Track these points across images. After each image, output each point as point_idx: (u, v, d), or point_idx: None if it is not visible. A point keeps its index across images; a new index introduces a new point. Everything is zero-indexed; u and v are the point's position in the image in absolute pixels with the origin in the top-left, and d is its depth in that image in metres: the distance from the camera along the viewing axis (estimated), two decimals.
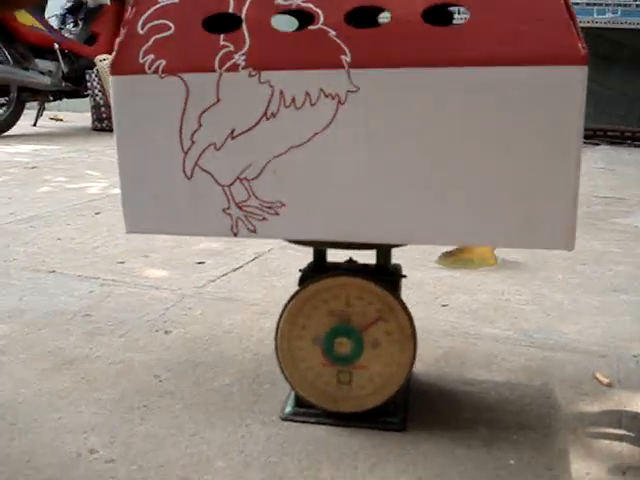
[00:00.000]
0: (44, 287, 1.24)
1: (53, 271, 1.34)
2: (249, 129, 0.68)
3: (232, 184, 0.70)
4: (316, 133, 0.67)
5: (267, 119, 0.68)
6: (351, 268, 0.77)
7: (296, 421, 0.77)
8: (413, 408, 0.80)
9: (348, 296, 0.75)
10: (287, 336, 0.76)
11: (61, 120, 5.10)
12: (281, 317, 0.76)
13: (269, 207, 0.70)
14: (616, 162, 3.06)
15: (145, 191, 0.72)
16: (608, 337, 1.02)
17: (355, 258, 0.79)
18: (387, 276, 0.77)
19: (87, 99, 4.43)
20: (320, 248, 0.78)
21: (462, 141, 0.64)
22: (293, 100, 0.67)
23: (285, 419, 0.78)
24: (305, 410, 0.78)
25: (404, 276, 0.79)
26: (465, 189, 0.65)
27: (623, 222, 1.83)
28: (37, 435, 0.74)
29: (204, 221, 0.71)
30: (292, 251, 1.44)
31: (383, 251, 0.77)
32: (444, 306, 1.15)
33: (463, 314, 1.11)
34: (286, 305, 0.76)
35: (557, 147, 0.63)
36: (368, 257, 0.76)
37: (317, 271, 0.77)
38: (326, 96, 0.67)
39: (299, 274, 0.78)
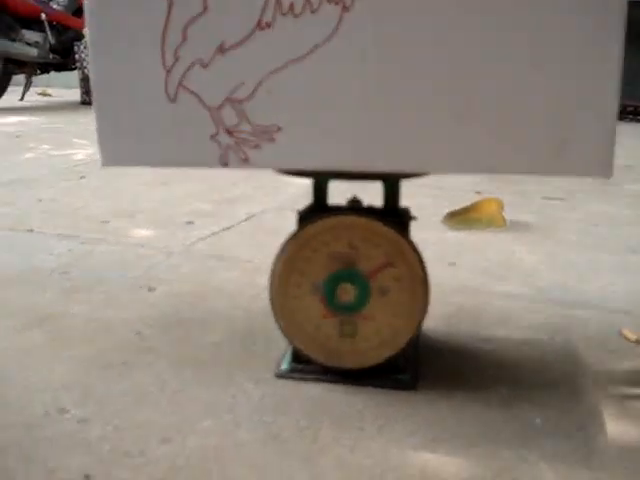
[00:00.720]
0: (20, 246, 1.15)
1: (31, 230, 1.25)
2: (240, 42, 0.60)
3: (221, 106, 0.61)
4: (317, 45, 0.58)
5: (261, 29, 0.59)
6: (355, 207, 0.68)
7: (293, 378, 0.69)
8: (423, 366, 0.72)
9: (352, 238, 0.66)
10: (283, 283, 0.68)
11: (49, 95, 4.98)
12: (276, 262, 0.68)
13: (263, 132, 0.61)
14: (619, 134, 2.97)
15: (123, 117, 0.63)
16: (631, 295, 0.93)
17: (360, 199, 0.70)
18: (396, 217, 0.68)
19: (76, 72, 4.32)
20: (320, 184, 0.69)
21: (487, 50, 0.56)
22: (291, 6, 0.58)
23: (281, 376, 0.69)
24: (303, 366, 0.70)
25: (414, 218, 0.70)
26: (490, 107, 0.56)
27: (634, 188, 1.75)
28: (1, 394, 0.66)
29: (189, 150, 0.63)
30: (288, 212, 1.35)
31: (391, 186, 0.68)
32: (452, 265, 1.06)
33: (472, 272, 1.03)
34: (282, 248, 0.68)
35: (597, 57, 0.55)
36: (373, 200, 0.67)
37: (317, 211, 0.69)
38: (329, 1, 0.58)
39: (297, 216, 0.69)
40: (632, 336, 0.79)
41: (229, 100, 0.61)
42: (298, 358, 0.70)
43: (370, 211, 0.67)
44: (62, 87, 5.56)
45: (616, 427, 0.60)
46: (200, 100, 0.61)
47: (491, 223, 1.27)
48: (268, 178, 1.76)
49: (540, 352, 0.75)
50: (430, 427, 0.60)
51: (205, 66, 0.61)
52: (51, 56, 4.16)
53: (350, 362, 0.68)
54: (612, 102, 0.55)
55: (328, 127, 0.59)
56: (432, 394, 0.66)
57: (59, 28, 4.19)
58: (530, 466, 0.54)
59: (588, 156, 0.56)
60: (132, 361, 0.73)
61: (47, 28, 4.03)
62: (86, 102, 4.24)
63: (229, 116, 0.61)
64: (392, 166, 0.59)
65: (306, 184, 0.73)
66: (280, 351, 0.74)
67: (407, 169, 0.59)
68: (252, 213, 1.37)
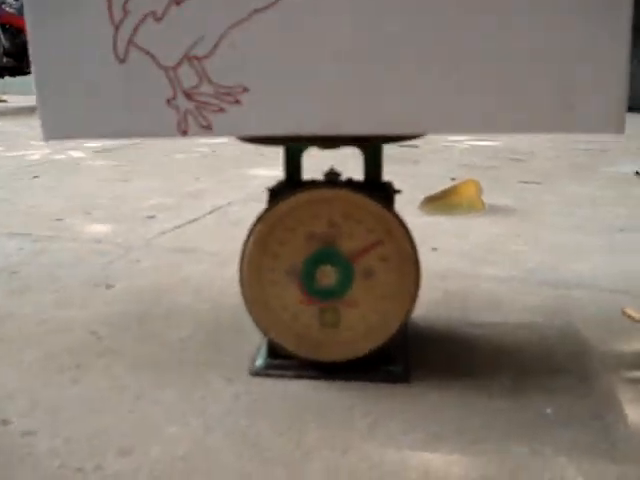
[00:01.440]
0: None
1: None
2: None
3: (178, 65, 0.53)
4: None
5: None
6: (334, 180, 0.61)
7: (270, 375, 0.61)
8: (414, 356, 0.65)
9: (331, 214, 0.59)
10: (254, 268, 0.60)
11: (5, 101, 4.82)
12: (246, 244, 0.60)
13: (227, 94, 0.53)
14: None
15: (66, 82, 0.55)
16: (625, 274, 0.88)
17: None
18: (380, 190, 0.61)
19: (32, 77, 4.18)
20: (293, 155, 0.62)
21: None
22: None
23: (256, 374, 0.62)
24: (280, 362, 0.62)
25: (398, 191, 0.63)
26: (490, 56, 0.49)
27: (611, 170, 1.71)
28: None
29: (143, 117, 0.55)
30: (255, 203, 1.27)
31: (373, 156, 0.61)
32: (434, 250, 1.00)
33: (457, 257, 0.96)
34: (252, 229, 0.60)
35: (605, 3, 0.48)
36: (353, 175, 0.60)
37: (290, 186, 0.61)
38: None
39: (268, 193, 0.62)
40: (636, 315, 0.72)
41: (187, 58, 0.53)
42: (274, 352, 0.62)
43: (351, 184, 0.60)
44: (18, 93, 5.41)
45: (636, 413, 0.54)
46: (154, 59, 0.54)
47: (471, 207, 1.20)
48: (234, 172, 1.67)
49: (539, 335, 0.69)
50: (429, 423, 0.53)
51: (158, 19, 0.53)
52: (5, 60, 4.01)
53: (334, 354, 0.60)
54: (622, 51, 0.49)
55: (300, 87, 0.52)
56: (427, 386, 0.59)
57: (13, 31, 4.04)
58: (547, 461, 0.47)
59: (598, 111, 0.50)
60: (87, 364, 0.64)
61: (0, 32, 3.89)
62: None
63: (187, 76, 0.54)
64: (377, 128, 0.52)
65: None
66: (254, 345, 0.67)
67: (396, 130, 0.52)
68: (218, 205, 1.29)
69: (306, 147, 0.61)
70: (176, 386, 0.60)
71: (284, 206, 0.59)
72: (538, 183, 1.52)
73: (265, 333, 0.61)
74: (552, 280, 0.85)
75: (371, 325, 0.60)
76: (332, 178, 0.61)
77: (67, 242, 1.06)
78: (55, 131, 0.56)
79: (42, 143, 2.37)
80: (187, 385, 0.60)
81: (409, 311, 0.59)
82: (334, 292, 0.59)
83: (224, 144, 2.15)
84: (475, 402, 0.56)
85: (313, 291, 0.59)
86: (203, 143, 2.20)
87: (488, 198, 1.29)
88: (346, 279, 0.59)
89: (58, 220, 1.20)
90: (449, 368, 0.62)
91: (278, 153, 0.63)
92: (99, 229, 1.13)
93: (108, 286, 0.86)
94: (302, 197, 0.59)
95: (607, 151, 2.02)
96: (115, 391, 0.59)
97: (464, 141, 2.25)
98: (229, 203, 1.31)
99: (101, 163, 1.83)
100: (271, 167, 1.69)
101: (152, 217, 1.20)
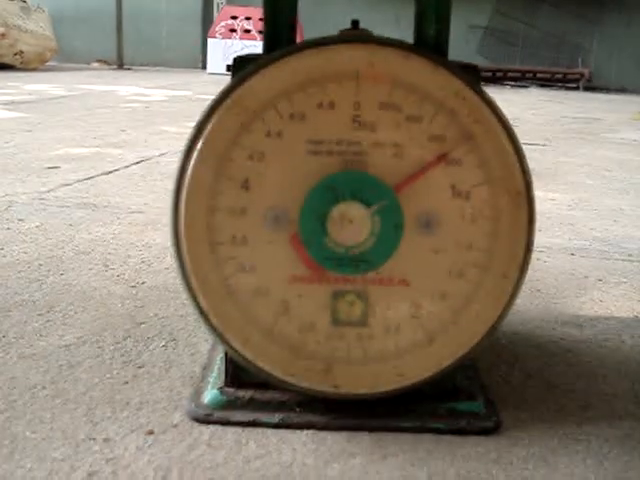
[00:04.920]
0: None
1: None
2: None
3: None
4: None
5: None
6: (363, 35, 0.31)
7: (229, 424, 0.31)
8: (491, 384, 0.36)
9: (360, 99, 0.29)
10: (201, 217, 0.30)
11: None
12: (184, 166, 0.29)
13: None
14: (561, 97, 2.74)
15: None
16: None
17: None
18: (443, 54, 0.32)
19: None
20: None
21: None
22: None
23: (202, 419, 0.31)
24: (251, 396, 0.32)
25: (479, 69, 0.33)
26: None
27: (616, 136, 1.46)
28: None
29: None
30: None
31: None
32: None
33: None
34: (195, 132, 0.29)
35: None
36: None
37: (273, 48, 0.30)
38: None
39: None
40: None
41: None
42: (237, 378, 0.32)
43: (399, 44, 0.30)
44: None
45: None
46: None
47: None
48: (170, 126, 1.35)
49: None
50: None
51: None
52: None
53: (359, 382, 0.31)
54: None
55: None
56: (523, 438, 0.30)
57: None
58: None
59: None
60: None
61: None
62: None
63: None
64: None
65: None
66: (197, 363, 0.36)
67: None
68: (147, 156, 0.97)
69: None
70: (45, 447, 0.29)
71: (262, 84, 0.29)
72: (543, 145, 1.26)
73: (222, 341, 0.30)
74: (637, 251, 0.58)
75: (433, 325, 0.30)
76: (359, 32, 0.31)
77: None
78: None
79: None
80: (68, 444, 0.29)
81: (512, 296, 0.30)
82: (364, 258, 0.29)
83: (159, 100, 1.82)
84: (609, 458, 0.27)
85: (321, 256, 0.29)
86: (134, 99, 1.87)
87: None
88: (388, 232, 0.29)
89: None
90: (548, 398, 0.33)
91: None
92: None
93: None
94: (299, 65, 0.29)
95: (600, 120, 1.78)
96: None
97: None
98: (161, 154, 0.99)
99: (6, 115, 1.48)
100: None
101: (54, 168, 0.87)
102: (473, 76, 0.30)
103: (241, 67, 0.30)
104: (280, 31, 0.32)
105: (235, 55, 0.32)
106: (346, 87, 0.29)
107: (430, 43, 0.31)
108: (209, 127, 0.29)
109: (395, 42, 0.29)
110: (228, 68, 0.32)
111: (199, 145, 0.29)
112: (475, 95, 0.29)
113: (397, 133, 0.29)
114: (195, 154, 0.30)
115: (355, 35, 0.30)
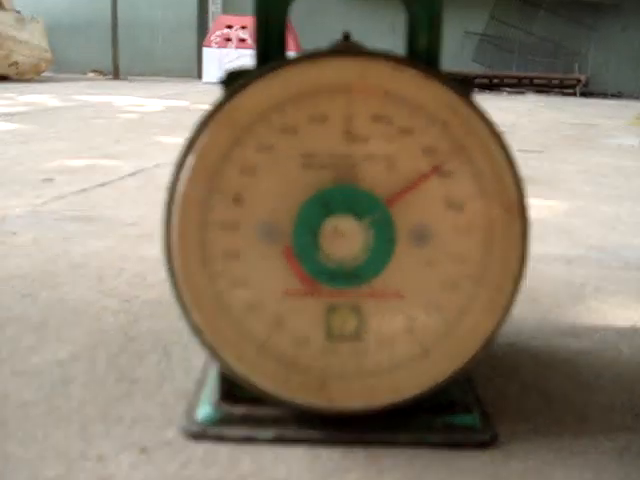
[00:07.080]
0: None
1: None
2: None
3: None
4: None
5: None
6: (355, 48, 0.31)
7: (224, 439, 0.31)
8: (486, 397, 0.35)
9: (352, 114, 0.29)
10: (194, 232, 0.29)
11: None
12: (174, 183, 0.29)
13: None
14: (557, 103, 2.74)
15: None
16: None
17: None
18: (436, 67, 0.31)
19: None
20: (273, 7, 0.31)
21: None
22: None
23: (196, 436, 0.31)
24: (245, 411, 0.32)
25: (475, 78, 0.33)
26: None
27: (612, 142, 1.46)
28: None
29: None
30: None
31: (428, 7, 0.31)
32: None
33: None
34: (186, 148, 0.29)
35: None
36: None
37: (266, 62, 0.30)
38: None
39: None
40: None
41: None
42: (231, 394, 0.32)
43: (391, 57, 0.30)
44: None
45: None
46: None
47: None
48: (166, 137, 1.35)
49: None
50: None
51: None
52: None
53: (353, 397, 0.30)
54: None
55: None
56: (519, 451, 0.29)
57: None
58: None
59: None
60: None
61: None
62: None
63: None
64: None
65: None
66: (191, 378, 0.36)
67: None
68: (142, 167, 0.97)
69: None
70: (32, 465, 0.28)
71: (254, 98, 0.29)
72: (539, 152, 1.26)
73: (215, 357, 0.30)
74: (636, 262, 0.58)
75: (428, 338, 0.30)
76: (351, 45, 0.31)
77: None
78: None
79: None
80: (60, 462, 0.29)
81: (507, 309, 0.30)
82: (357, 272, 0.29)
83: (155, 111, 1.82)
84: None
85: (315, 270, 0.29)
86: (130, 109, 1.87)
87: None
88: (380, 245, 0.29)
89: None
90: (545, 410, 0.33)
91: None
92: None
93: None
94: (290, 79, 0.28)
95: (596, 126, 1.78)
96: None
97: None
98: (157, 165, 0.99)
99: (0, 127, 1.48)
100: None
101: (49, 180, 0.87)
102: (466, 87, 0.30)
103: (232, 81, 0.30)
104: (271, 45, 0.32)
105: (230, 64, 0.32)
106: (338, 100, 0.29)
107: (422, 54, 0.31)
108: (200, 142, 0.29)
109: (386, 54, 0.29)
110: (225, 77, 0.31)
111: (190, 160, 0.29)
112: (467, 107, 0.29)
113: (389, 146, 0.29)
114: (186, 169, 0.29)
115: (346, 48, 0.30)
